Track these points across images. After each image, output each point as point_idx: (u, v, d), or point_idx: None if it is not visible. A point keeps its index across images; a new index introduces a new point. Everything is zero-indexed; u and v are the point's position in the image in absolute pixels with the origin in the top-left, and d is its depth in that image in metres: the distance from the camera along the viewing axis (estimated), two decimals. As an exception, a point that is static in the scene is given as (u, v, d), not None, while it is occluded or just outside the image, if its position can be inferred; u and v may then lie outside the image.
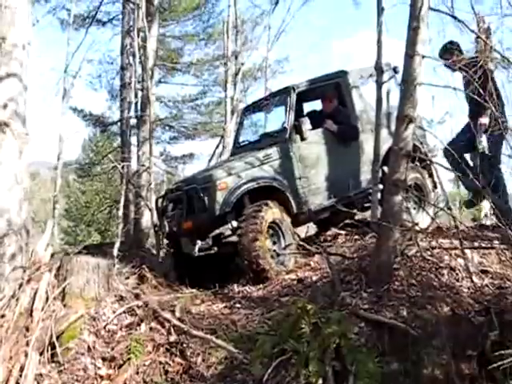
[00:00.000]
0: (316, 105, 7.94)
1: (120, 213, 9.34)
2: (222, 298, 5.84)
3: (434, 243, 4.87)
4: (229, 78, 13.23)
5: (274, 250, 6.22)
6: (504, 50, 4.48)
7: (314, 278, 5.53)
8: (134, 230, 11.29)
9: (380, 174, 6.50)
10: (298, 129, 6.76)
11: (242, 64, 13.87)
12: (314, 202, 6.75)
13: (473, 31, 4.68)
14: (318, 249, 5.97)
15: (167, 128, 16.89)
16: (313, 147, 6.85)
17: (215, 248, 6.45)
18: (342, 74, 7.30)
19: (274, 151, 6.67)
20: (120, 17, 13.86)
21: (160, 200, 7.05)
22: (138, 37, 10.70)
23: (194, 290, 6.13)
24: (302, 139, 6.77)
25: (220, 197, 6.19)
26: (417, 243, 4.69)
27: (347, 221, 6.93)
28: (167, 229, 6.58)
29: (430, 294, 4.23)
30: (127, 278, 6.30)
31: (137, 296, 5.27)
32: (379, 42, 6.22)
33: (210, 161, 14.06)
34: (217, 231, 6.44)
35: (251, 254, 5.94)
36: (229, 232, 6.37)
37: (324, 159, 6.89)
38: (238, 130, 8.12)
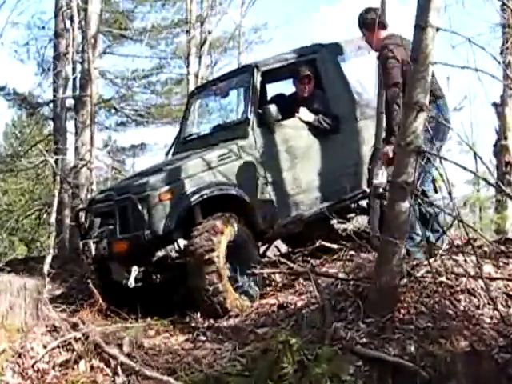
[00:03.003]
0: (285, 87, 7.95)
1: (52, 219, 9.28)
2: (182, 328, 5.84)
3: (448, 261, 4.91)
4: (192, 50, 13.29)
5: (234, 277, 6.19)
6: None
7: (299, 304, 5.52)
8: (69, 241, 11.25)
9: (364, 176, 6.65)
10: (263, 119, 6.73)
11: (209, 32, 13.95)
12: (286, 214, 6.78)
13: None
14: (304, 267, 5.96)
15: (113, 111, 16.93)
16: (283, 143, 6.86)
17: (158, 276, 6.42)
18: (320, 47, 7.36)
19: (231, 149, 6.62)
20: (54, -32, 13.79)
21: (82, 213, 6.95)
22: (78, -6, 10.71)
23: (147, 319, 6.13)
24: (269, 133, 6.77)
25: (163, 209, 6.13)
26: (427, 261, 4.73)
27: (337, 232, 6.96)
28: (93, 252, 6.43)
29: (444, 325, 4.24)
30: (62, 302, 6.29)
31: (74, 326, 5.17)
32: (383, 6, 6.24)
33: (167, 154, 14.03)
34: (159, 254, 6.31)
35: (204, 282, 5.90)
36: (175, 254, 6.29)
37: (298, 158, 6.91)
38: (183, 121, 8.07)
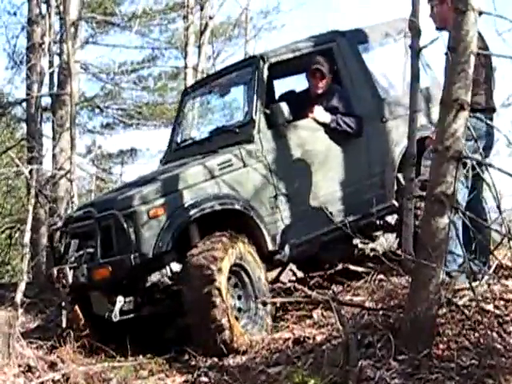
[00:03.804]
0: (297, 83, 7.98)
1: (26, 238, 9.11)
2: (180, 368, 5.86)
3: (495, 287, 4.89)
4: (190, 39, 13.33)
5: (240, 309, 6.22)
6: None
7: (319, 339, 5.51)
8: (46, 265, 11.19)
9: (392, 187, 6.76)
10: (271, 120, 6.74)
11: (211, 18, 13.98)
12: (300, 232, 6.78)
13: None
14: (324, 294, 5.76)
15: (97, 111, 17.16)
16: (295, 148, 6.88)
17: (146, 308, 6.43)
18: (337, 35, 7.39)
19: (233, 155, 6.62)
20: None
21: (57, 234, 6.94)
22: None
23: (138, 357, 6.15)
24: (279, 136, 6.79)
25: (153, 228, 6.12)
26: (471, 287, 4.69)
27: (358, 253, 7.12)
28: (70, 280, 6.36)
29: (491, 363, 4.18)
30: (38, 337, 6.31)
31: (52, 366, 5.33)
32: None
33: (161, 161, 14.10)
34: (149, 281, 6.32)
35: (204, 319, 5.86)
36: (167, 281, 6.30)
37: (313, 166, 6.93)
38: (175, 124, 8.11)
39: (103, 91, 17.12)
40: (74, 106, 9.73)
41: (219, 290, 5.89)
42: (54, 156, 11.81)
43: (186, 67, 13.26)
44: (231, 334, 5.90)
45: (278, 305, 6.54)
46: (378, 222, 7.20)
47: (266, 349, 5.78)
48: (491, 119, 6.07)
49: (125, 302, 6.29)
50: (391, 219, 7.30)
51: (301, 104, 7.11)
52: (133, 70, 17.15)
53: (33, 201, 9.26)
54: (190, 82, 12.69)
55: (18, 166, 10.99)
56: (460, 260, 5.49)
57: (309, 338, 5.64)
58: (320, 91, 7.22)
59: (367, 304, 5.45)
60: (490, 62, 6.02)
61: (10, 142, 17.76)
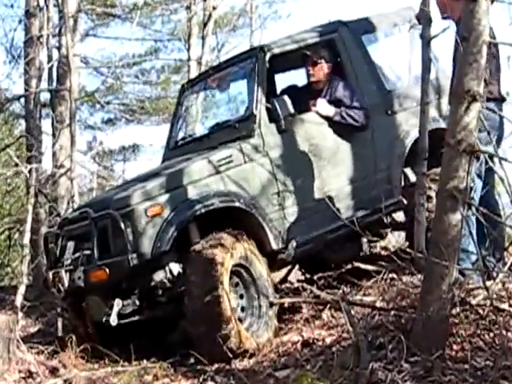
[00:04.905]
0: (298, 77, 7.93)
1: (25, 239, 9.22)
2: (185, 372, 5.85)
3: (511, 285, 4.85)
4: (194, 30, 13.33)
5: (243, 308, 6.23)
6: None
7: (328, 341, 5.54)
8: (47, 267, 11.14)
9: (399, 182, 6.77)
10: (272, 114, 6.73)
11: (214, 8, 13.97)
12: (303, 230, 6.77)
13: None
14: (333, 294, 5.92)
15: (98, 107, 17.18)
16: (297, 143, 6.89)
17: (146, 311, 6.40)
18: (339, 25, 7.39)
19: (234, 151, 6.63)
20: None
21: (51, 236, 6.95)
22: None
23: (142, 361, 6.15)
24: (281, 131, 6.79)
25: (152, 227, 6.11)
26: (485, 286, 4.70)
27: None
28: (66, 284, 6.36)
29: (507, 364, 4.18)
30: (39, 342, 6.31)
31: (54, 371, 5.36)
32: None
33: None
34: (150, 282, 6.28)
35: (207, 324, 5.87)
36: (167, 283, 6.26)
37: (316, 161, 6.93)
38: (173, 121, 8.12)
39: (104, 85, 17.01)
40: (74, 101, 9.77)
41: (222, 297, 5.87)
42: (53, 154, 11.80)
43: (189, 59, 13.28)
44: (238, 340, 5.90)
45: (286, 305, 6.52)
46: (385, 220, 7.20)
47: (273, 352, 5.79)
48: (501, 109, 6.11)
49: (123, 305, 6.25)
50: (399, 217, 7.25)
51: (303, 98, 7.11)
52: (134, 63, 17.17)
53: (32, 200, 9.27)
54: (194, 75, 12.64)
55: (17, 165, 11.09)
56: (474, 257, 5.50)
57: (318, 339, 5.65)
58: (323, 84, 7.24)
59: (378, 304, 5.47)
60: (498, 51, 6.03)
61: (8, 139, 17.68)
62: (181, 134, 7.89)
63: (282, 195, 6.71)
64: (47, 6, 12.58)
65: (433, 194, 6.07)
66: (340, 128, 7.06)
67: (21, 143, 14.78)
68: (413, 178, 6.95)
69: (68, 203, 9.90)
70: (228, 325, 5.86)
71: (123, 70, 16.92)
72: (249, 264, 6.27)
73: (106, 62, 16.75)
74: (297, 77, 8.03)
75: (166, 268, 6.22)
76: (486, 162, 5.05)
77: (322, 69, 7.23)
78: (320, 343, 5.56)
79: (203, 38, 13.54)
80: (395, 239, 7.62)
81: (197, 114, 8.44)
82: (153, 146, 19.83)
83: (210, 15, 13.56)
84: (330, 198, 6.79)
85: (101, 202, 6.76)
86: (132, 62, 17.05)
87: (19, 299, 7.04)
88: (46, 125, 12.95)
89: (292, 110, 6.69)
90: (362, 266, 6.85)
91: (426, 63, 6.28)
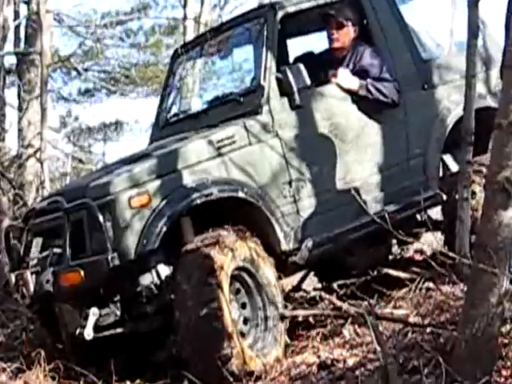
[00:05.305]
0: (314, 43, 7.92)
1: (-15, 233, 9.47)
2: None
3: None
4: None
5: (246, 320, 5.99)
6: None
7: (350, 362, 5.35)
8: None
9: (437, 172, 6.78)
10: (284, 86, 6.43)
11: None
12: (321, 227, 6.54)
13: None
14: (357, 306, 5.84)
15: (74, 74, 16.98)
16: (314, 121, 6.62)
17: (128, 323, 6.13)
18: None
19: (238, 130, 6.36)
20: None
21: (14, 231, 6.65)
22: None
23: (125, 383, 6.03)
24: (294, 107, 6.47)
25: (137, 221, 5.86)
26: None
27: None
28: (32, 288, 6.14)
29: None
30: (0, 358, 6.36)
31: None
32: None
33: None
34: (131, 287, 6.09)
35: (200, 334, 5.62)
36: (154, 288, 6.01)
37: (338, 143, 6.69)
38: (165, 92, 7.90)
39: (82, 49, 16.90)
40: (46, 67, 9.73)
41: (221, 311, 5.61)
42: (19, 130, 11.82)
43: (185, 18, 13.40)
44: (240, 361, 5.62)
45: (300, 319, 6.32)
46: (418, 217, 7.05)
47: (284, 374, 5.62)
48: None
49: (101, 315, 6.00)
50: (436, 213, 7.10)
51: (321, 68, 6.92)
52: (119, 22, 17.10)
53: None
54: (191, 37, 12.57)
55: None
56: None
57: (338, 361, 5.50)
58: (341, 48, 6.97)
59: (411, 319, 5.51)
60: None
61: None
62: (173, 110, 7.68)
63: (294, 185, 6.49)
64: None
65: (477, 187, 6.16)
66: (365, 104, 6.82)
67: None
68: (454, 166, 6.91)
69: (37, 190, 9.90)
70: (229, 343, 5.62)
71: (105, 30, 16.78)
72: (253, 267, 6.04)
73: (85, 20, 16.59)
74: (314, 42, 7.98)
75: (153, 271, 6.02)
76: None
77: (348, 33, 6.95)
78: (340, 365, 5.40)
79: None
80: (432, 241, 7.33)
81: (193, 85, 8.29)
82: (139, 123, 20.30)
83: (210, -34, 14.27)
84: (355, 189, 6.55)
85: (75, 190, 6.48)
86: (115, 20, 16.89)
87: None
88: (10, 95, 13.24)
89: (308, 82, 6.43)
90: (392, 272, 6.79)
91: (473, 28, 6.14)
